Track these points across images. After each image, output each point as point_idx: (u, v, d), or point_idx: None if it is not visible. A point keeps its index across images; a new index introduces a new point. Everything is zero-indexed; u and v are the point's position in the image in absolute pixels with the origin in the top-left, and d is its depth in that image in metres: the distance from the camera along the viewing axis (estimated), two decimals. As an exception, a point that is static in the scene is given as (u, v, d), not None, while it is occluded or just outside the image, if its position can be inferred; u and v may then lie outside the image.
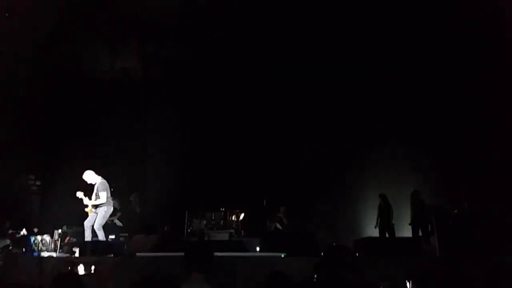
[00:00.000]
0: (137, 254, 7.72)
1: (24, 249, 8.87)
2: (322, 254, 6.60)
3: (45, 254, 8.50)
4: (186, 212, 10.63)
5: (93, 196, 8.64)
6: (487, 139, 9.77)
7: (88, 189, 8.81)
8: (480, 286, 6.00)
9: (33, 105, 10.91)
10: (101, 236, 8.52)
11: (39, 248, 8.72)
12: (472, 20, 9.46)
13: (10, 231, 9.68)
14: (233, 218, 10.76)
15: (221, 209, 10.83)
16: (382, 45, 10.99)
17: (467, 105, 10.24)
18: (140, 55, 12.41)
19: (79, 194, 8.59)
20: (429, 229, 9.36)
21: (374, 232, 10.29)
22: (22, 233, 9.56)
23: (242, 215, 10.82)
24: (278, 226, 10.95)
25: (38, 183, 12.10)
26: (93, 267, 6.79)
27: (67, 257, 8.12)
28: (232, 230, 10.38)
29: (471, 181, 9.70)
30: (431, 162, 10.79)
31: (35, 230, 9.72)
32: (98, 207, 8.60)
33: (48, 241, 8.85)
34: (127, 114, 12.21)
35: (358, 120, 11.64)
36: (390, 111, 11.36)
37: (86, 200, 8.62)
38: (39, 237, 8.81)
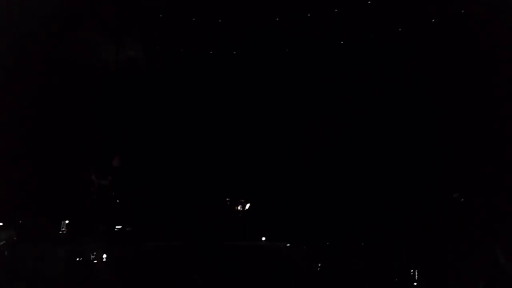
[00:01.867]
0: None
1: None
2: (327, 243, 6.66)
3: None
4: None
5: None
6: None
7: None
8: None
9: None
10: None
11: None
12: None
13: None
14: (239, 207, 10.81)
15: (227, 199, 10.88)
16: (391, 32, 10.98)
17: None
18: (144, 45, 12.43)
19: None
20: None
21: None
22: None
23: (248, 205, 10.86)
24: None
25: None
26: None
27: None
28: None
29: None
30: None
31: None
32: None
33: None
34: (129, 103, 12.19)
35: (359, 114, 11.58)
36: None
37: None
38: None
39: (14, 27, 9.77)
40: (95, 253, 7.02)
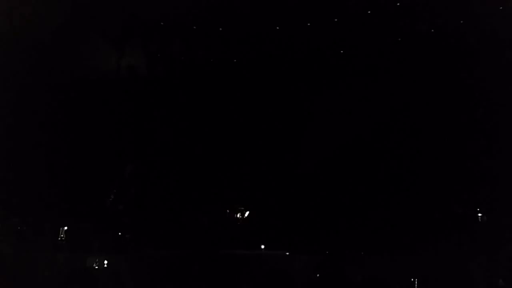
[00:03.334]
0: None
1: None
2: (326, 252, 6.65)
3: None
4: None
5: None
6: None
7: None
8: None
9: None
10: None
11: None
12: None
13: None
14: (238, 215, 10.79)
15: (225, 207, 10.85)
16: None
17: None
18: (145, 53, 12.44)
19: None
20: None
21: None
22: None
23: (247, 213, 10.84)
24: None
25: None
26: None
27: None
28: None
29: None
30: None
31: None
32: None
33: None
34: (130, 111, 12.18)
35: (358, 124, 11.60)
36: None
37: None
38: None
39: (16, 36, 9.81)
40: (97, 260, 7.01)
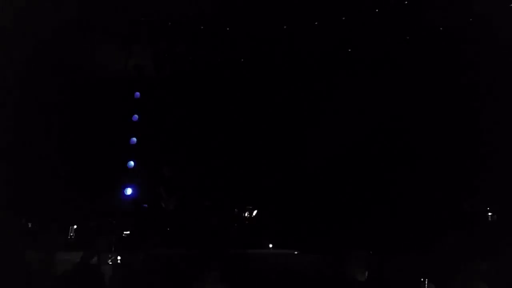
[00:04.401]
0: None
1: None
2: (335, 251, 6.64)
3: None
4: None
5: None
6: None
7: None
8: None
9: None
10: None
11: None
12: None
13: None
14: (246, 214, 10.82)
15: (234, 206, 10.88)
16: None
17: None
18: (152, 53, 12.49)
19: None
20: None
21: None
22: None
23: (255, 212, 10.87)
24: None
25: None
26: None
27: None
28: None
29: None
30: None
31: None
32: None
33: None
34: (138, 110, 12.25)
35: (366, 123, 11.60)
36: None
37: None
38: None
39: (26, 35, 9.87)
40: (111, 256, 7.05)
